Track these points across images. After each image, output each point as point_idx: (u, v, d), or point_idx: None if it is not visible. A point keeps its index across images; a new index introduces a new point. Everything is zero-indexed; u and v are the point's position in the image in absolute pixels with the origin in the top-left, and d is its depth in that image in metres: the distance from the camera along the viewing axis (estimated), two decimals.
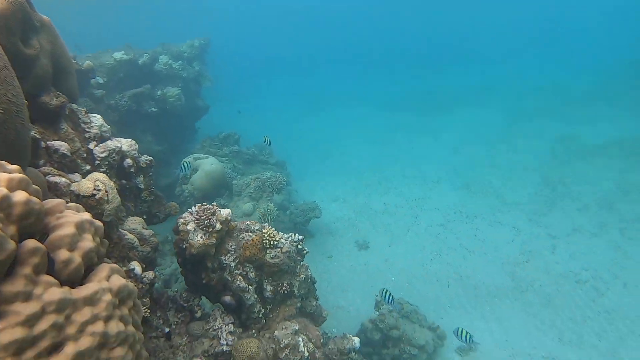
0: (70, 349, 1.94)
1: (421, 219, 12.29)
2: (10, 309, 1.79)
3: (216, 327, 4.39)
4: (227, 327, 4.40)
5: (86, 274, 2.26)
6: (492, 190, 13.53)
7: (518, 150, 16.23)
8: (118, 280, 2.26)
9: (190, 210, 4.53)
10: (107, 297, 2.15)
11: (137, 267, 3.31)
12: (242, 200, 10.14)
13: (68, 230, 2.07)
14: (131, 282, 3.28)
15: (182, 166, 8.56)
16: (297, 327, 4.58)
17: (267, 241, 4.62)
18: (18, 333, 1.78)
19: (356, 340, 4.92)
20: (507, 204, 12.65)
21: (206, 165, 10.16)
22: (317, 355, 4.89)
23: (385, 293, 6.41)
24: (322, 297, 8.96)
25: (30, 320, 1.82)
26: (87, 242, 2.17)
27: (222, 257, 4.53)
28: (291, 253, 4.82)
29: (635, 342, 7.59)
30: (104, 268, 2.26)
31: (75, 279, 2.17)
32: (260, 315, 4.67)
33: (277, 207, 10.80)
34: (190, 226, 4.41)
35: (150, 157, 5.12)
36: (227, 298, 4.61)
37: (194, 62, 14.10)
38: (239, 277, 4.54)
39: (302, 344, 4.48)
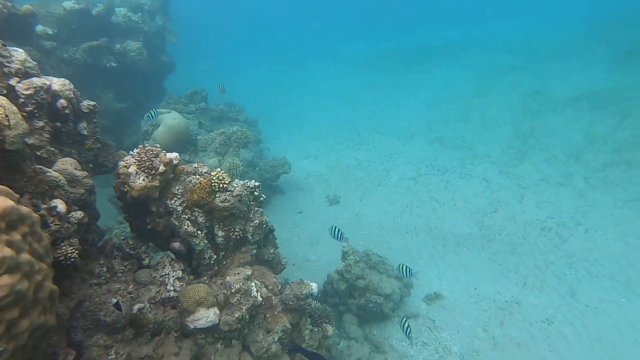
0: None
1: (393, 173, 12.21)
2: None
3: (164, 274, 4.23)
4: (175, 273, 4.24)
5: None
6: (464, 144, 13.49)
7: (491, 105, 16.13)
8: (4, 202, 2.03)
9: (131, 152, 4.27)
10: None
11: (60, 205, 3.08)
12: (207, 155, 9.85)
13: None
14: (53, 219, 3.06)
15: (149, 115, 8.17)
16: (249, 273, 4.45)
17: (216, 184, 4.41)
18: None
19: (314, 286, 4.82)
20: (478, 156, 12.63)
21: (168, 120, 9.78)
22: (273, 302, 4.80)
23: (335, 230, 6.29)
24: (291, 251, 8.94)
25: None
26: None
27: (168, 202, 4.32)
28: (243, 197, 4.62)
29: (592, 283, 7.76)
30: None
31: None
32: (212, 262, 4.52)
33: (246, 164, 10.56)
34: (132, 169, 4.16)
35: (94, 103, 4.80)
36: (176, 244, 4.44)
37: (156, 15, 13.40)
38: (187, 221, 4.35)
39: (255, 289, 4.36)
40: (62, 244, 3.14)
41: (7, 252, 1.89)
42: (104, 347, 3.23)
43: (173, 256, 4.50)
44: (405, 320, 5.39)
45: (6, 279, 1.91)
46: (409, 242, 9.37)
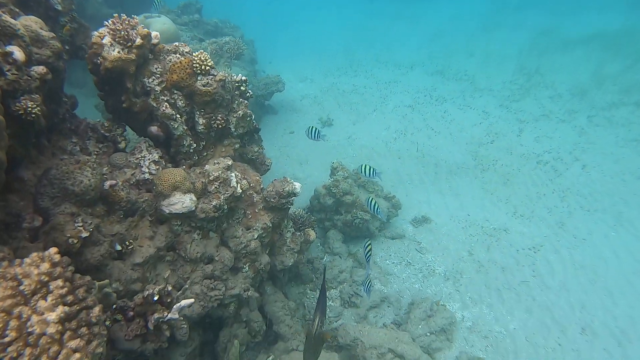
0: None
1: (389, 100, 11.81)
2: None
3: (139, 157, 3.94)
4: (151, 156, 3.95)
5: None
6: (466, 77, 13.02)
7: (497, 41, 15.46)
8: None
9: (106, 22, 3.83)
10: None
11: (17, 52, 2.71)
12: None
13: None
14: (10, 67, 2.70)
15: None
16: (230, 163, 4.17)
17: (197, 65, 4.02)
18: None
19: (297, 185, 4.59)
20: (479, 89, 12.21)
21: (157, 25, 9.12)
22: (254, 199, 4.57)
23: (311, 130, 5.98)
24: (280, 169, 8.69)
25: None
26: None
27: (145, 80, 3.95)
28: (227, 84, 4.26)
29: (583, 216, 7.68)
30: None
31: None
32: (191, 150, 4.22)
33: None
34: (106, 40, 3.75)
35: None
36: (154, 128, 4.12)
37: None
38: (166, 103, 4.00)
39: (235, 180, 4.10)
40: (22, 97, 2.80)
41: None
42: (71, 215, 2.98)
43: (150, 142, 4.19)
44: (369, 242, 5.17)
45: None
46: (399, 167, 9.15)
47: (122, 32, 3.73)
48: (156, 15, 9.88)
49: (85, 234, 2.97)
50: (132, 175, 3.85)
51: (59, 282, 1.97)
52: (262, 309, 5.06)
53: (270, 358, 4.61)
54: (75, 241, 2.92)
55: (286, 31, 18.76)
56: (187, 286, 3.60)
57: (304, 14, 21.25)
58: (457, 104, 11.44)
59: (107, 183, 3.46)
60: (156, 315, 2.77)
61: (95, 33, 3.82)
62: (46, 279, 1.96)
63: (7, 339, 1.86)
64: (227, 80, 4.23)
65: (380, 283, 6.43)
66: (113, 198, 3.46)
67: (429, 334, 5.55)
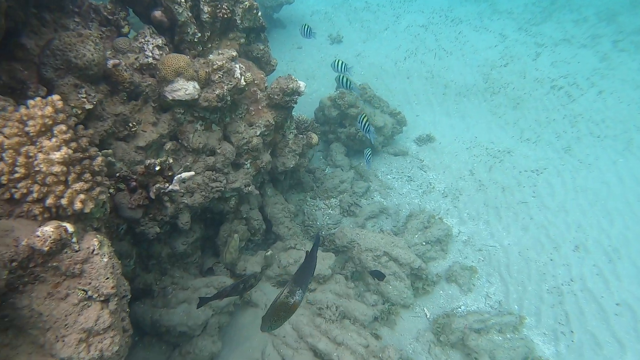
0: None
1: (402, 19, 11.32)
2: None
3: (143, 40, 3.83)
4: (155, 41, 3.84)
5: None
6: None
7: None
8: None
9: None
10: None
11: None
12: None
13: None
14: None
15: None
16: (235, 54, 4.06)
17: None
18: None
19: (301, 84, 4.50)
20: (498, 12, 11.65)
21: None
22: (258, 96, 4.52)
23: (338, 63, 5.81)
24: None
25: None
26: None
27: None
28: None
29: (592, 141, 7.60)
30: None
31: None
32: (195, 39, 4.10)
33: None
34: None
35: None
36: (158, 13, 3.97)
37: None
38: None
39: (239, 72, 4.02)
40: None
41: None
42: (74, 85, 2.95)
43: (154, 29, 4.05)
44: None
45: None
46: (407, 87, 8.96)
47: None
48: None
49: (89, 106, 2.96)
50: (135, 59, 3.76)
51: (62, 127, 1.97)
52: (262, 210, 5.17)
53: (269, 252, 4.77)
54: (79, 112, 2.91)
55: None
56: (188, 164, 3.65)
57: None
58: (473, 26, 10.97)
59: (111, 62, 3.39)
60: (157, 186, 2.82)
61: None
62: (50, 122, 1.96)
63: (17, 175, 1.90)
64: None
65: (380, 196, 6.52)
66: (116, 78, 3.41)
67: (424, 244, 5.70)
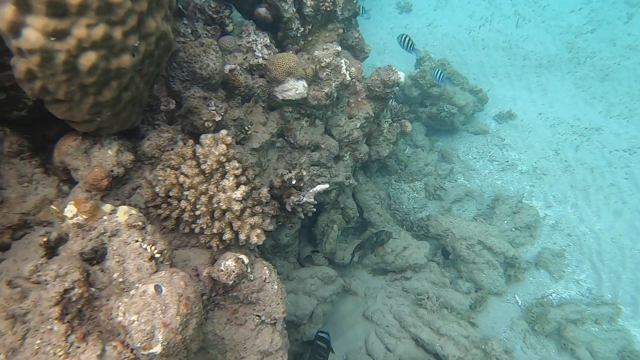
0: None
1: None
2: None
3: (250, 40, 3.86)
4: (262, 40, 3.86)
5: None
6: None
7: None
8: None
9: None
10: None
11: None
12: None
13: None
14: None
15: None
16: (339, 49, 4.04)
17: None
18: None
19: (402, 74, 4.43)
20: None
21: None
22: (357, 87, 4.49)
23: (404, 39, 5.57)
24: None
25: None
26: None
27: None
28: None
29: None
30: None
31: None
32: (298, 35, 4.09)
33: None
34: None
35: None
36: (262, 10, 3.96)
37: None
38: None
39: (345, 67, 4.00)
40: None
41: None
42: (203, 98, 3.04)
43: (256, 25, 4.06)
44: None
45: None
46: (484, 59, 8.60)
47: None
48: None
49: (218, 118, 3.05)
50: (244, 59, 3.80)
51: (235, 163, 2.06)
52: (354, 197, 5.24)
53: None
54: (211, 124, 3.01)
55: None
56: (308, 172, 3.74)
57: None
58: None
59: (228, 67, 3.45)
60: (294, 199, 2.91)
61: None
62: (223, 159, 2.06)
63: (197, 212, 2.02)
64: None
65: (463, 177, 6.43)
66: (233, 83, 3.47)
67: (513, 230, 5.63)
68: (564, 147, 6.87)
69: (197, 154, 2.07)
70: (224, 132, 2.14)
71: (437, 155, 6.53)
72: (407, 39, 5.45)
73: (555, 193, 6.32)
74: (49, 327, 1.56)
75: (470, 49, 8.79)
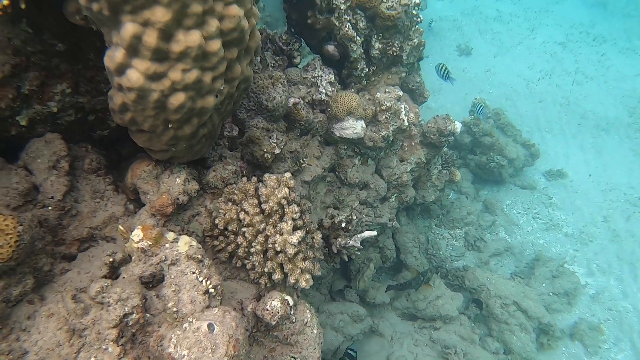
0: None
1: (538, 33, 10.64)
2: None
3: (315, 75, 3.96)
4: (327, 76, 3.95)
5: None
6: (636, 12, 11.20)
7: None
8: None
9: None
10: None
11: None
12: None
13: None
14: None
15: None
16: (401, 94, 4.09)
17: None
18: None
19: (458, 125, 4.43)
20: None
21: None
22: (412, 132, 4.51)
23: (441, 68, 5.61)
24: None
25: None
26: None
27: None
28: (409, 9, 4.03)
29: None
30: None
31: None
32: (362, 74, 4.16)
33: None
34: None
35: None
36: (331, 47, 4.06)
37: None
38: (348, 23, 3.90)
39: (404, 112, 4.04)
40: None
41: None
42: (266, 130, 3.14)
43: (322, 60, 4.17)
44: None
45: (235, 10, 1.64)
46: (539, 113, 8.46)
47: None
48: None
49: (278, 151, 3.13)
50: (307, 93, 3.90)
51: (294, 207, 2.11)
52: (393, 237, 5.22)
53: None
54: (270, 156, 3.09)
55: None
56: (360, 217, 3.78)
57: None
58: (620, 47, 10.06)
59: (292, 101, 3.55)
60: (340, 241, 2.94)
61: None
62: (284, 202, 2.11)
63: (252, 250, 2.08)
64: (412, 4, 3.99)
65: (505, 231, 6.29)
66: (295, 116, 3.56)
67: (551, 294, 5.45)
68: (614, 214, 6.63)
69: (260, 193, 2.14)
70: (287, 175, 2.20)
71: (481, 205, 6.43)
72: (444, 67, 5.49)
73: (600, 262, 6.08)
74: (104, 346, 1.63)
75: (526, 100, 8.68)
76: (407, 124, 4.05)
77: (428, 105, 8.27)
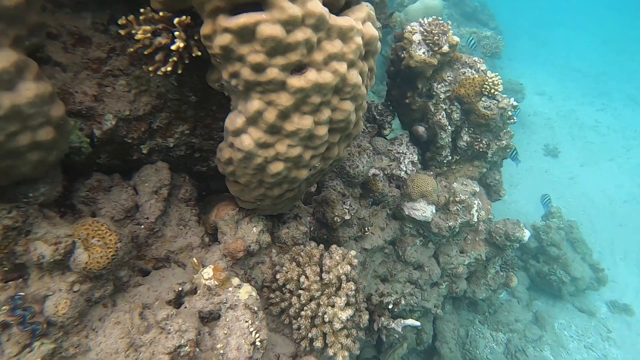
0: (311, 75, 1.68)
1: (633, 153, 10.20)
2: (276, 2, 1.51)
3: (400, 151, 4.11)
4: (411, 156, 4.09)
5: (344, 8, 1.92)
6: None
7: None
8: (371, 29, 1.88)
9: (420, 20, 3.94)
10: (358, 40, 1.79)
11: None
12: None
13: None
14: None
15: None
16: (477, 189, 4.13)
17: (487, 87, 3.93)
18: (277, 31, 1.52)
19: (527, 233, 4.36)
20: None
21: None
22: (480, 227, 4.49)
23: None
24: None
25: (290, 24, 1.53)
26: None
27: (435, 84, 4.01)
28: (504, 113, 4.11)
29: None
30: (362, 9, 1.88)
31: (335, 4, 1.83)
32: (445, 161, 4.26)
33: None
34: (416, 37, 3.86)
35: None
36: (421, 128, 4.22)
37: None
38: (443, 112, 4.04)
39: (476, 209, 4.05)
40: None
41: (358, 80, 1.79)
42: (341, 195, 3.30)
43: (410, 138, 4.32)
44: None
45: (347, 106, 1.84)
46: (617, 237, 8.02)
47: (434, 36, 3.79)
48: None
49: (347, 217, 3.26)
50: (388, 165, 4.05)
51: (352, 285, 2.22)
52: (434, 322, 5.11)
53: None
54: (339, 220, 3.23)
55: (534, 34, 17.13)
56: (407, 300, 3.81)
57: (564, 15, 19.11)
58: None
59: (372, 171, 3.71)
60: (384, 321, 2.98)
61: (408, 28, 3.95)
62: (343, 278, 2.22)
63: (302, 314, 2.19)
64: (509, 108, 4.08)
65: (551, 351, 5.94)
66: (371, 186, 3.71)
67: None
68: None
69: (323, 262, 2.26)
70: (353, 253, 2.31)
71: (532, 315, 6.14)
72: (514, 150, 5.38)
73: None
74: None
75: (605, 220, 8.28)
76: (476, 220, 4.05)
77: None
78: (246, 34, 1.53)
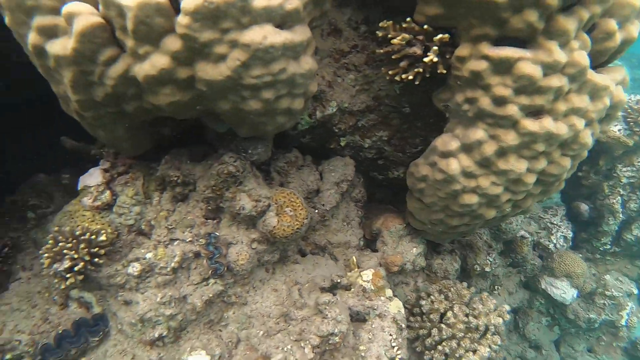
0: (547, 122, 1.67)
1: None
2: (544, 44, 1.52)
3: (553, 222, 3.87)
4: (565, 231, 3.82)
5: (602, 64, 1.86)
6: None
7: None
8: (621, 94, 1.81)
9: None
10: (607, 101, 1.74)
11: None
12: None
13: None
14: None
15: None
16: (635, 292, 3.72)
17: None
18: (535, 72, 1.52)
19: None
20: None
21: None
22: (621, 334, 4.03)
23: None
24: None
25: (550, 68, 1.53)
26: None
27: (619, 165, 3.67)
28: None
29: None
30: (621, 71, 1.81)
31: (597, 59, 1.77)
32: (601, 249, 3.91)
33: None
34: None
35: None
36: (584, 207, 3.91)
37: None
38: (619, 197, 3.71)
39: (628, 311, 3.65)
40: None
41: (587, 137, 1.74)
42: (487, 245, 3.19)
43: (569, 212, 4.04)
44: None
45: (567, 162, 1.83)
46: None
47: (638, 116, 3.52)
48: None
49: (488, 269, 3.14)
50: (536, 232, 3.83)
51: (497, 339, 2.13)
52: None
53: None
54: (478, 269, 3.11)
55: None
56: None
57: None
58: None
59: (522, 233, 3.52)
60: None
61: None
62: (491, 328, 2.14)
63: (439, 347, 2.14)
64: None
65: None
66: (515, 247, 3.52)
67: None
68: None
69: (473, 306, 2.20)
70: (506, 307, 2.22)
71: None
72: None
73: None
74: (302, 344, 1.87)
75: None
76: (624, 325, 3.65)
77: None
78: (503, 67, 1.55)
